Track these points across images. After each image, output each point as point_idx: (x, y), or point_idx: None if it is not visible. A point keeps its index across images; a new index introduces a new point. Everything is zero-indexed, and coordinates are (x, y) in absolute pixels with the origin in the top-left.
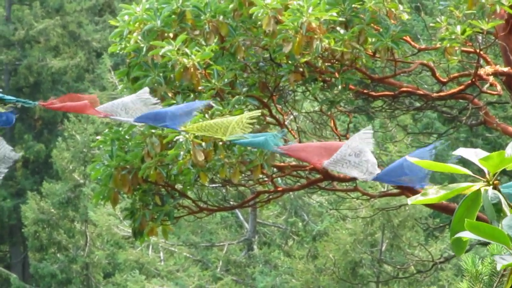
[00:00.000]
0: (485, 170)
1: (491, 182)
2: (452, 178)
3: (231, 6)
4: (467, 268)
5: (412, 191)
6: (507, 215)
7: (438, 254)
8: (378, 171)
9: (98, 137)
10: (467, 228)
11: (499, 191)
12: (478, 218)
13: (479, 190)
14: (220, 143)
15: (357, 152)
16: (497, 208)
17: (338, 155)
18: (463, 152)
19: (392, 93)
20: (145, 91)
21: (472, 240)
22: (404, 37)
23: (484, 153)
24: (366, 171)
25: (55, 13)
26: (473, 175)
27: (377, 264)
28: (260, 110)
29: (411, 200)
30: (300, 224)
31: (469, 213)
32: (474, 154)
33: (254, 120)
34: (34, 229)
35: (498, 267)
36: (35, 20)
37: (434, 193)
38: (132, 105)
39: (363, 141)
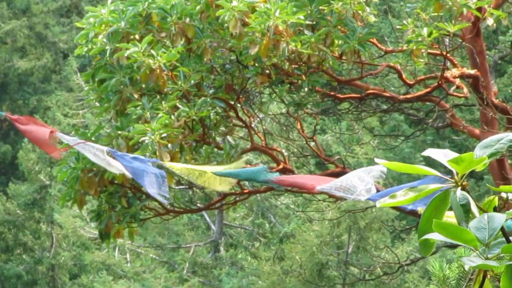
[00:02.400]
0: (454, 171)
1: (459, 183)
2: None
3: (197, 8)
4: (435, 272)
5: None
6: (476, 217)
7: (404, 257)
8: (372, 192)
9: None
10: (435, 229)
11: (468, 192)
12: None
13: (447, 191)
14: (186, 145)
15: (361, 178)
16: (466, 209)
17: (341, 178)
18: (431, 152)
19: (359, 95)
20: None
21: (440, 242)
22: (371, 40)
23: (453, 154)
24: (360, 192)
25: (21, 14)
26: (442, 176)
27: (343, 266)
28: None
29: (380, 202)
30: (267, 225)
31: (437, 213)
32: (443, 155)
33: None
34: (0, 230)
35: (466, 268)
36: (2, 21)
37: (402, 195)
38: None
39: (373, 172)
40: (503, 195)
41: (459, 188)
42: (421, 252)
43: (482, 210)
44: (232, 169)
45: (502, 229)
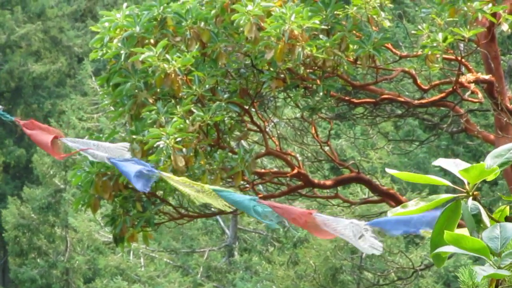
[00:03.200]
0: (465, 181)
1: (470, 193)
2: (433, 186)
3: (212, 12)
4: (464, 280)
5: (393, 199)
6: (487, 226)
7: (418, 261)
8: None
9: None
10: (447, 240)
11: (479, 202)
12: (460, 226)
13: (459, 201)
14: (201, 149)
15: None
16: (477, 219)
17: (330, 219)
18: (443, 162)
19: (374, 100)
20: (124, 145)
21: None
22: (386, 44)
23: (463, 163)
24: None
25: (36, 18)
26: (453, 185)
27: (357, 270)
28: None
29: (391, 212)
30: (281, 230)
31: (449, 224)
32: (454, 165)
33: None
34: (14, 234)
35: (479, 279)
36: (17, 25)
37: (414, 205)
38: (105, 145)
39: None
40: None
41: (471, 198)
42: (435, 264)
43: (493, 220)
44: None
45: None
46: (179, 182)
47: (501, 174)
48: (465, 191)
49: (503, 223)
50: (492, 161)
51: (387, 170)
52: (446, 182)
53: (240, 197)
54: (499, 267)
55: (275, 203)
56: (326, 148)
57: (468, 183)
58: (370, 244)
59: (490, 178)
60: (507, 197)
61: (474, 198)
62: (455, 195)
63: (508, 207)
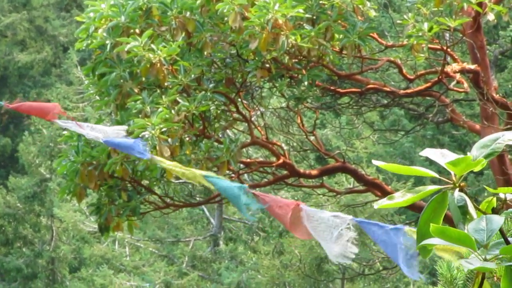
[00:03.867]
0: (451, 172)
1: (457, 185)
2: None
3: (198, 2)
4: (442, 272)
5: (379, 188)
6: (474, 218)
7: None
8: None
9: (65, 132)
10: (433, 233)
11: (465, 193)
12: (446, 217)
13: (445, 192)
14: (186, 139)
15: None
16: (463, 210)
17: (315, 222)
18: (429, 152)
19: (359, 90)
20: (121, 128)
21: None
22: (371, 34)
23: (450, 153)
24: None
25: (22, 8)
26: (439, 177)
27: None
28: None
29: (378, 204)
30: (266, 220)
31: (436, 215)
32: (440, 155)
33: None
34: (0, 223)
35: (465, 270)
36: (2, 14)
37: (400, 197)
38: (101, 127)
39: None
40: (501, 195)
41: (457, 189)
42: (421, 256)
43: (480, 211)
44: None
45: (501, 230)
46: (171, 165)
47: (487, 163)
48: (451, 182)
49: (489, 215)
50: (478, 152)
51: (373, 161)
52: (433, 173)
53: (229, 184)
54: (485, 260)
55: (263, 193)
56: (312, 138)
57: (455, 175)
58: (342, 252)
59: (476, 169)
60: (493, 190)
61: (461, 190)
62: (441, 187)
63: (495, 199)
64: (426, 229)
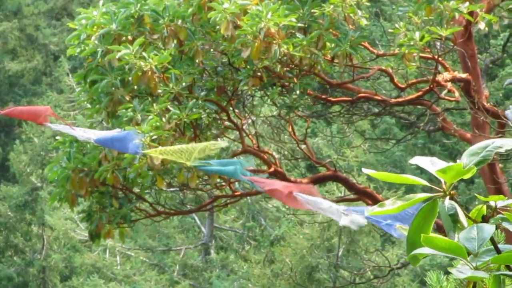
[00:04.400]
0: (442, 180)
1: (447, 193)
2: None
3: (190, 10)
4: (432, 284)
5: (370, 197)
6: (464, 226)
7: (395, 260)
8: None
9: (58, 138)
10: (424, 243)
11: (456, 201)
12: (437, 225)
13: (435, 200)
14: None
15: (328, 208)
16: (454, 218)
17: (311, 201)
18: (418, 160)
19: (350, 98)
20: (116, 131)
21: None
22: (363, 43)
23: (440, 161)
24: (335, 214)
25: (12, 16)
26: (430, 185)
27: (333, 269)
28: (225, 143)
29: (368, 211)
30: (257, 229)
31: (425, 223)
32: (430, 163)
33: (218, 150)
34: None
35: (459, 277)
36: None
37: (390, 204)
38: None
39: (335, 214)
40: (492, 203)
41: (448, 197)
42: (411, 264)
43: (470, 219)
44: (206, 152)
45: (491, 239)
46: (165, 152)
47: (477, 172)
48: (442, 190)
49: (480, 224)
50: (468, 160)
51: (363, 170)
52: (423, 182)
53: (224, 168)
54: (476, 268)
55: (258, 179)
56: (303, 146)
57: (445, 183)
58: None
59: (466, 176)
60: (483, 198)
61: (451, 198)
62: (432, 195)
63: (485, 207)
64: (416, 237)
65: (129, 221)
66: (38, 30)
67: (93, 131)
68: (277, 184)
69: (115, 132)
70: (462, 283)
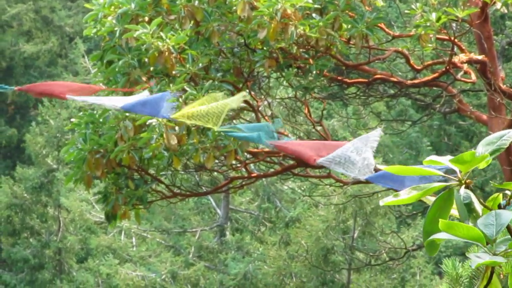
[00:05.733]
0: (457, 170)
1: (463, 182)
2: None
3: None
4: (448, 271)
5: None
6: (479, 215)
7: (410, 242)
8: (372, 172)
9: (73, 119)
10: (442, 228)
11: (471, 190)
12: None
13: (451, 189)
14: (193, 127)
15: (359, 151)
16: (469, 207)
17: (339, 151)
18: (434, 158)
19: (366, 80)
20: (145, 94)
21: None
22: (379, 24)
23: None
24: (361, 169)
25: None
26: (445, 175)
27: (349, 251)
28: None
29: (383, 201)
30: (273, 210)
31: (442, 212)
32: (446, 160)
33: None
34: (7, 213)
35: (473, 265)
36: (8, 5)
37: (406, 194)
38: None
39: (369, 141)
40: (508, 192)
41: (463, 186)
42: (427, 252)
43: (486, 208)
44: (233, 103)
45: (508, 227)
46: (194, 116)
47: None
48: (457, 179)
49: (498, 211)
50: (483, 149)
51: (377, 166)
52: (439, 172)
53: (250, 134)
54: (494, 254)
55: (282, 142)
56: (319, 128)
57: (460, 171)
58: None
59: (481, 166)
60: (500, 185)
61: (467, 187)
62: (447, 184)
63: (501, 195)
64: (433, 226)
65: (145, 203)
66: (53, 12)
67: (117, 98)
68: (303, 146)
69: (145, 96)
70: (478, 269)
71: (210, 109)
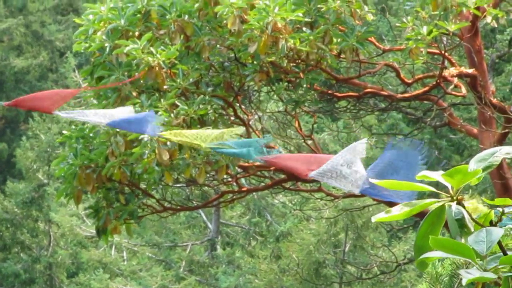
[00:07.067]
0: (449, 186)
1: (454, 198)
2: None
3: (196, 5)
4: (427, 270)
5: None
6: (471, 231)
7: (401, 255)
8: (366, 184)
9: (64, 132)
10: (432, 245)
11: (463, 206)
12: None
13: (443, 205)
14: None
15: (349, 163)
16: (461, 223)
17: (329, 165)
18: (426, 174)
19: (357, 93)
20: (129, 110)
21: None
22: (369, 38)
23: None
24: (354, 183)
25: (18, 13)
26: (437, 191)
27: (340, 264)
28: (243, 128)
29: (375, 218)
30: (264, 224)
31: (433, 229)
32: (438, 175)
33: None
34: None
35: (464, 282)
36: None
37: (398, 211)
38: (105, 111)
39: (357, 152)
40: (499, 209)
41: (455, 202)
42: (418, 268)
43: (478, 224)
44: (225, 140)
45: (499, 243)
46: (181, 134)
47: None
48: (449, 195)
49: (488, 228)
50: (476, 165)
51: (370, 180)
52: (430, 188)
53: (240, 150)
54: (485, 270)
55: (272, 156)
56: (309, 142)
57: (452, 188)
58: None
59: (473, 182)
60: (492, 202)
61: (458, 203)
62: (439, 200)
63: (492, 211)
64: (424, 242)
65: (136, 217)
66: (43, 26)
67: (103, 112)
68: (293, 160)
69: (130, 113)
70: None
71: (198, 132)
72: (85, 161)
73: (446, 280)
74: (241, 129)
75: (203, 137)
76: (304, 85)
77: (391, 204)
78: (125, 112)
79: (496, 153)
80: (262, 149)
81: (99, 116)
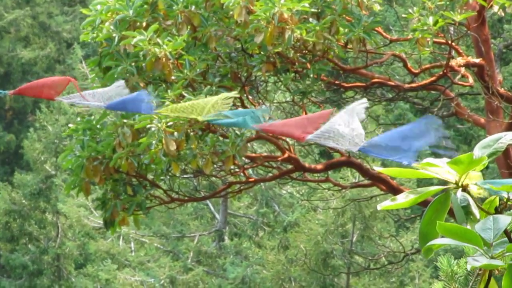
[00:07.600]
0: (454, 172)
1: (460, 184)
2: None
3: None
4: (443, 268)
5: (383, 183)
6: (476, 218)
7: (409, 245)
8: (364, 142)
9: (71, 125)
10: (439, 231)
11: (468, 193)
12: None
13: (448, 192)
14: (192, 133)
15: (347, 122)
16: (466, 210)
17: (326, 126)
18: (429, 160)
19: (364, 84)
20: (120, 84)
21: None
22: (376, 28)
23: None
24: (352, 141)
25: (25, 4)
26: (442, 177)
27: (348, 255)
28: (236, 92)
29: (381, 206)
30: (271, 215)
31: (438, 215)
32: (441, 163)
33: (230, 101)
34: (5, 220)
35: (469, 268)
36: (5, 11)
37: (403, 198)
38: (102, 92)
39: (356, 112)
40: (504, 195)
41: (460, 189)
42: (423, 255)
43: (483, 211)
44: (221, 107)
45: (505, 231)
46: (177, 109)
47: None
48: (454, 182)
49: (496, 215)
50: (480, 152)
51: (375, 168)
52: (435, 175)
53: (236, 119)
54: (492, 257)
55: (268, 124)
56: None
57: (457, 174)
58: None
59: (478, 168)
60: (497, 188)
61: (464, 190)
62: (444, 187)
63: (497, 198)
64: (429, 229)
65: (144, 208)
66: (50, 17)
67: (101, 92)
68: (288, 126)
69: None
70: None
71: (193, 103)
72: (92, 152)
73: (461, 279)
74: (234, 93)
75: (199, 110)
76: (311, 76)
77: (397, 193)
78: (118, 87)
79: (501, 139)
80: (258, 117)
81: (97, 99)
